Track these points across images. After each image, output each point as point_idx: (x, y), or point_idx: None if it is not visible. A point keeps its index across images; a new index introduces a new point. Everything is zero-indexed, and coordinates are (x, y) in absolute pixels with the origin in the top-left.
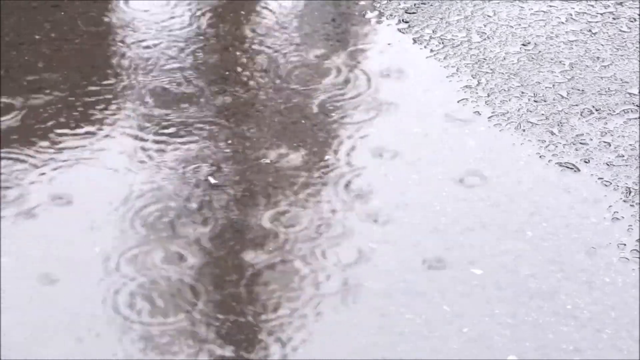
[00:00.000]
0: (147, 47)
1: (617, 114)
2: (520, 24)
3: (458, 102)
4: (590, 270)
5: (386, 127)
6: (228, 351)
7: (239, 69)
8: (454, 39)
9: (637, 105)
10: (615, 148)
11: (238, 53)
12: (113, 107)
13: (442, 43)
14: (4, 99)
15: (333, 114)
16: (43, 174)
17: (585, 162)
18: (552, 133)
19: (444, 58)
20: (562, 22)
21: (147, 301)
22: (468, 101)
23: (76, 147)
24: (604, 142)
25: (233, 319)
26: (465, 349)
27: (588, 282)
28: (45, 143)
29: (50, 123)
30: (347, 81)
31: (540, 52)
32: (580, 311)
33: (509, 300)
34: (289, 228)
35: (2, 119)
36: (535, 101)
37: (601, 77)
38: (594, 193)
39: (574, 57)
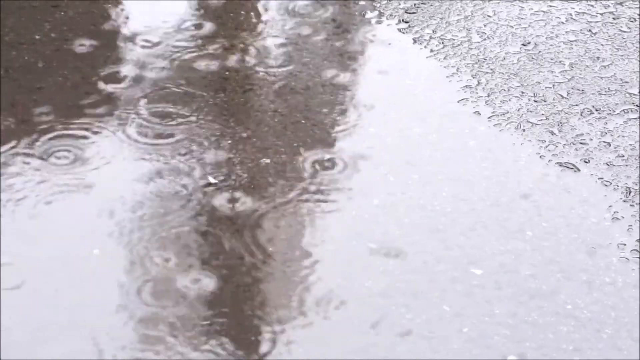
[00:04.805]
0: (147, 47)
1: (617, 114)
2: (520, 24)
3: (458, 102)
4: (590, 270)
5: (386, 127)
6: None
7: (239, 69)
8: (454, 39)
9: (637, 105)
10: (615, 148)
11: (238, 53)
12: (113, 107)
13: (442, 43)
14: (4, 99)
15: (333, 114)
16: (43, 171)
17: (585, 162)
18: (552, 133)
19: (444, 58)
20: (562, 22)
21: (146, 301)
22: (468, 101)
23: (75, 147)
24: (604, 142)
25: (236, 315)
26: (465, 349)
27: (588, 282)
28: (45, 142)
29: (49, 123)
30: (347, 81)
31: (540, 52)
32: (580, 311)
33: (509, 300)
34: (289, 228)
35: (3, 118)
36: (535, 101)
37: (601, 77)
38: (594, 193)
39: (574, 57)
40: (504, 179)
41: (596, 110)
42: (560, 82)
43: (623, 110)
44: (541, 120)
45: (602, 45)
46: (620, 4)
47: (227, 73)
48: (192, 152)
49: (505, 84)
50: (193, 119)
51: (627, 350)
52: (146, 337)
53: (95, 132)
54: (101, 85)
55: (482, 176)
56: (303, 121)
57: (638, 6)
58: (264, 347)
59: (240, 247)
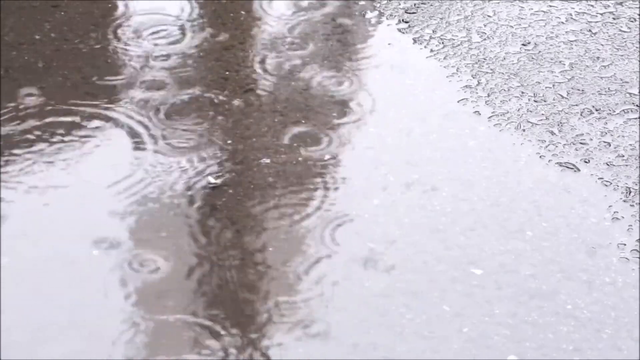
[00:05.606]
0: (147, 47)
1: (617, 114)
2: (520, 24)
3: (458, 102)
4: (590, 270)
5: (386, 127)
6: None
7: (239, 69)
8: (454, 39)
9: (637, 105)
10: (615, 148)
11: (238, 53)
12: (112, 107)
13: (442, 43)
14: (4, 99)
15: (333, 114)
16: (42, 171)
17: (585, 162)
18: (552, 133)
19: (444, 58)
20: (562, 22)
21: (146, 302)
22: (468, 101)
23: (76, 147)
24: (604, 142)
25: (235, 315)
26: (465, 349)
27: (588, 282)
28: (45, 143)
29: (50, 123)
30: (347, 81)
31: (540, 52)
32: (580, 311)
33: (509, 300)
34: (289, 227)
35: (3, 119)
36: (535, 101)
37: (601, 77)
38: (594, 193)
39: (574, 57)
40: (504, 179)
41: (596, 110)
42: (560, 82)
43: (623, 110)
44: (541, 120)
45: (602, 45)
46: (620, 4)
47: (227, 73)
48: (192, 152)
49: (505, 84)
50: (193, 119)
51: (627, 350)
52: (147, 337)
53: (95, 132)
54: (101, 85)
55: (482, 176)
56: (303, 121)
57: (638, 6)
58: (263, 347)
59: (240, 246)
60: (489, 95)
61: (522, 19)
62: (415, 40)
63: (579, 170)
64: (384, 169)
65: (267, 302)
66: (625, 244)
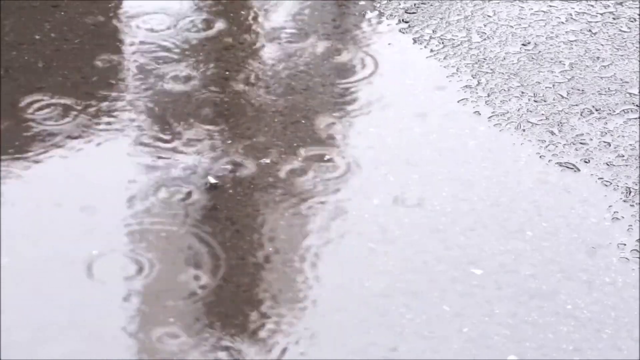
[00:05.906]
0: (147, 47)
1: (617, 114)
2: (520, 24)
3: (458, 102)
4: (590, 270)
5: (386, 127)
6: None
7: (239, 69)
8: (454, 39)
9: (637, 105)
10: (615, 148)
11: (238, 53)
12: (112, 107)
13: (442, 43)
14: (4, 99)
15: (333, 114)
16: (43, 171)
17: (585, 162)
18: (552, 133)
19: (444, 58)
20: (562, 22)
21: (145, 302)
22: (468, 101)
23: (76, 147)
24: (604, 142)
25: (235, 315)
26: (465, 349)
27: (588, 282)
28: (45, 143)
29: (50, 123)
30: (347, 81)
31: (540, 52)
32: (580, 311)
33: (509, 300)
34: (289, 228)
35: (3, 119)
36: (535, 101)
37: (601, 77)
38: (594, 193)
39: (574, 57)
40: (504, 179)
41: (596, 110)
42: (560, 82)
43: (623, 110)
44: (541, 120)
45: (602, 45)
46: (620, 4)
47: (227, 73)
48: (192, 152)
49: (505, 84)
50: (193, 119)
51: (627, 350)
52: (147, 337)
53: (95, 132)
54: (101, 85)
55: (482, 176)
56: (303, 121)
57: (638, 6)
58: (262, 347)
59: (240, 246)
60: (489, 95)
61: (522, 19)
62: (415, 40)
63: (579, 170)
64: (384, 169)
65: (266, 303)
66: (625, 244)
